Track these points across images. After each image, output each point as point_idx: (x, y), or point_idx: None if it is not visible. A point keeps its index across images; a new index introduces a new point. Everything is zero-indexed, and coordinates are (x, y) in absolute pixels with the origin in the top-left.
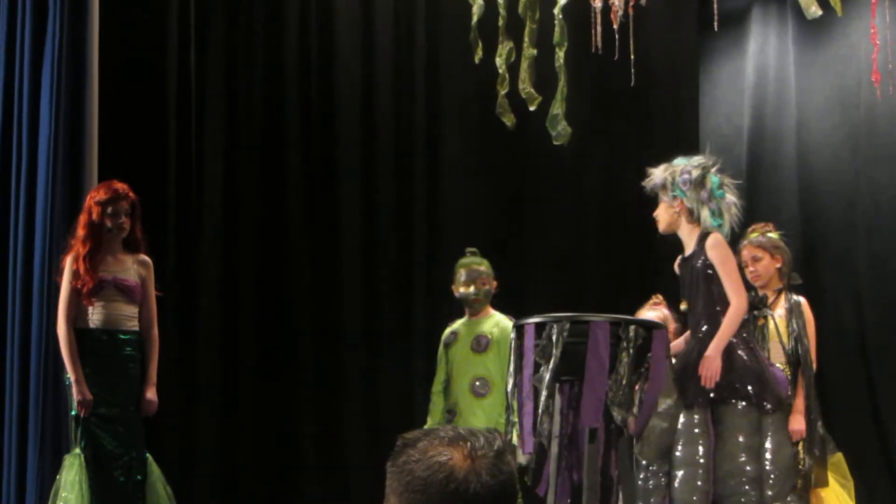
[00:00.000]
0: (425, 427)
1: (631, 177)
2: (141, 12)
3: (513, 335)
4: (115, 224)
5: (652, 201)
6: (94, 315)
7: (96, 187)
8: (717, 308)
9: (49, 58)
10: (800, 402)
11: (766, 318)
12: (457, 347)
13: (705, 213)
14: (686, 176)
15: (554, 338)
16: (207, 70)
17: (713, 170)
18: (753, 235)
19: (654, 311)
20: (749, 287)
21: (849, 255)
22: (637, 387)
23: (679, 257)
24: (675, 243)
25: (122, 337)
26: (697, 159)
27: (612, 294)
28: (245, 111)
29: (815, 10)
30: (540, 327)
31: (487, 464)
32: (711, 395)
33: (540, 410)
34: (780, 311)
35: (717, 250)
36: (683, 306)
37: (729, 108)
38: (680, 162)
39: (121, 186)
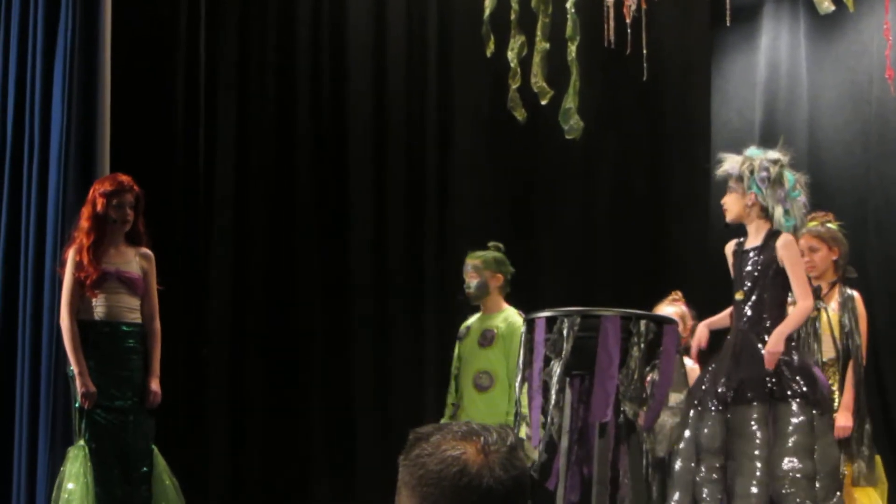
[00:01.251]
0: (441, 421)
1: (642, 170)
2: (153, 5)
3: (523, 329)
4: (120, 216)
5: (666, 195)
6: (97, 307)
7: (101, 179)
8: (782, 308)
9: (61, 50)
10: (848, 399)
11: (819, 310)
12: (467, 341)
13: (779, 212)
14: (765, 174)
15: (565, 332)
16: (218, 64)
17: (788, 166)
18: (812, 225)
19: (672, 307)
20: None
21: (859, 250)
22: (648, 381)
23: (734, 243)
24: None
25: (125, 329)
26: (774, 154)
27: (623, 288)
28: (256, 105)
29: (827, 6)
30: (551, 321)
31: (500, 459)
32: (769, 391)
33: (550, 404)
34: (833, 305)
35: (788, 250)
36: (739, 296)
37: (741, 103)
38: (755, 154)
39: (125, 179)
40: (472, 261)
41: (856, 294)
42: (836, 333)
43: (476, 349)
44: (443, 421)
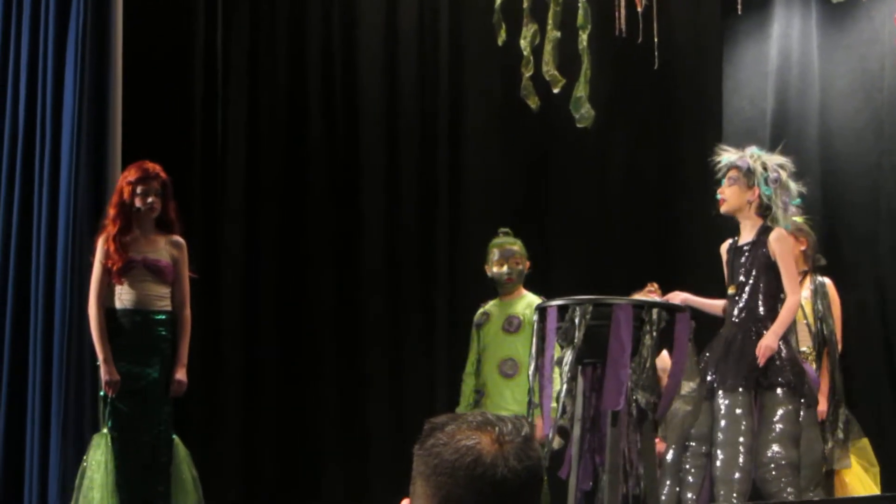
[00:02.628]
0: (457, 410)
1: (654, 159)
2: None
3: (535, 317)
4: (145, 204)
5: (677, 184)
6: (124, 295)
7: (129, 167)
8: (775, 299)
9: (73, 40)
10: (823, 384)
11: None
12: (488, 328)
13: (780, 215)
14: (776, 175)
15: (577, 320)
16: (231, 50)
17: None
18: None
19: (639, 297)
20: None
21: (871, 238)
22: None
23: (729, 243)
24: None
25: (155, 317)
26: (780, 158)
27: (635, 277)
28: (269, 91)
29: None
30: (563, 310)
31: (515, 449)
32: (756, 379)
33: (562, 393)
34: (805, 293)
35: (782, 244)
36: (732, 290)
37: (752, 91)
38: (758, 152)
39: (151, 166)
40: (515, 246)
41: (827, 280)
42: (811, 321)
43: (500, 336)
44: (462, 409)
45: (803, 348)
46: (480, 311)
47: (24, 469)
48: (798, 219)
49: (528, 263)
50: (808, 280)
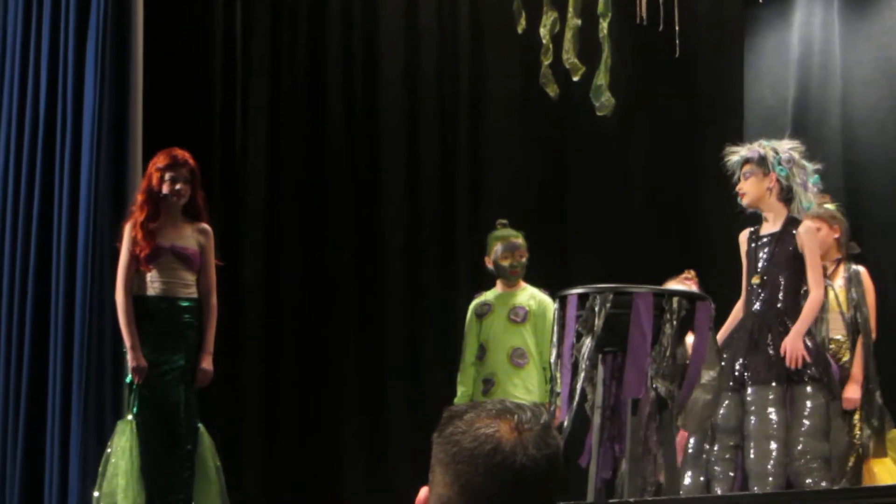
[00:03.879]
0: (457, 398)
1: (675, 147)
2: None
3: (556, 306)
4: (173, 191)
5: (698, 172)
6: (152, 282)
7: (158, 153)
8: (797, 292)
9: (94, 26)
10: (857, 371)
11: (826, 288)
12: (492, 318)
13: (801, 193)
14: (788, 155)
15: (597, 308)
16: (252, 41)
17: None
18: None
19: (673, 284)
20: None
21: (893, 227)
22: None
23: (748, 232)
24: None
25: (181, 304)
26: (790, 143)
27: (654, 265)
28: (288, 81)
29: None
30: (583, 298)
31: (534, 437)
32: (787, 373)
33: (581, 381)
34: (839, 282)
35: (810, 237)
36: (756, 280)
37: (774, 80)
38: (766, 142)
39: (181, 153)
40: (518, 239)
41: (861, 268)
42: (844, 309)
43: (508, 325)
44: (462, 399)
45: (837, 336)
46: (479, 300)
47: (44, 455)
48: (831, 206)
49: (527, 255)
50: (841, 268)
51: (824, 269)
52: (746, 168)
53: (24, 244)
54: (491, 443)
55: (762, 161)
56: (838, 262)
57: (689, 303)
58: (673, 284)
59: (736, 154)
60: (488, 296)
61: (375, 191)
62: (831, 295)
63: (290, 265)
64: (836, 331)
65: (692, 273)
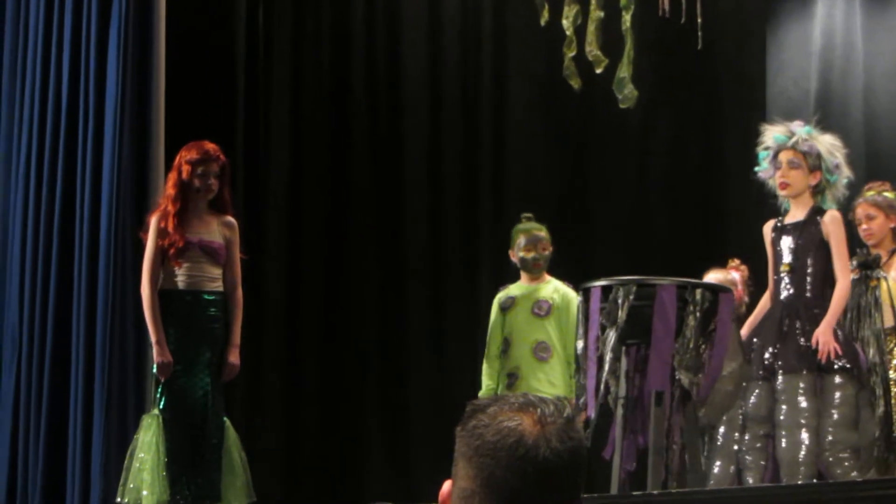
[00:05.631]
0: (481, 392)
1: (697, 139)
2: None
3: (580, 298)
4: (204, 185)
5: (721, 164)
6: (180, 276)
7: (187, 146)
8: (824, 282)
9: (116, 17)
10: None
11: (879, 279)
12: (516, 311)
13: (831, 194)
14: (837, 161)
15: (620, 301)
16: (274, 35)
17: None
18: (869, 194)
19: (719, 275)
20: (860, 244)
21: None
22: (703, 350)
23: (773, 223)
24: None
25: (207, 298)
26: (836, 141)
27: (677, 258)
28: (312, 76)
29: None
30: (606, 290)
31: (557, 430)
32: (817, 363)
33: (605, 373)
34: (893, 273)
35: (837, 226)
36: (784, 269)
37: (796, 72)
38: (813, 131)
39: (212, 147)
40: (541, 232)
41: None
42: (895, 301)
43: (531, 319)
44: (486, 392)
45: (887, 328)
46: (504, 294)
47: (67, 449)
48: (889, 194)
49: (551, 248)
50: (894, 259)
51: (879, 257)
52: (793, 157)
53: (46, 236)
54: (514, 436)
55: (818, 158)
56: (893, 252)
57: (713, 295)
58: (716, 275)
59: (777, 133)
60: (513, 289)
61: (398, 183)
62: (884, 286)
63: (311, 258)
64: (888, 322)
65: (737, 261)
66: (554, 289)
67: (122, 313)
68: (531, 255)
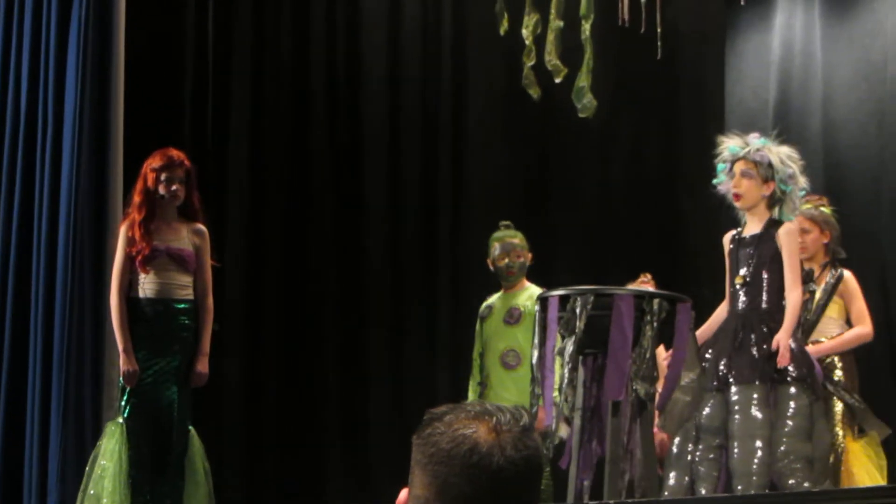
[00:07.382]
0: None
1: (656, 149)
2: None
3: (537, 307)
4: (169, 192)
5: (679, 174)
6: (147, 284)
7: (152, 154)
8: (779, 293)
9: (74, 33)
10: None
11: (812, 292)
12: (491, 320)
13: (788, 205)
14: (791, 171)
15: (578, 310)
16: (234, 41)
17: None
18: (805, 207)
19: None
20: None
21: (873, 229)
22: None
23: (731, 234)
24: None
25: (177, 306)
26: (790, 151)
27: (637, 268)
28: (269, 86)
29: None
30: (564, 300)
31: (512, 438)
32: (771, 373)
33: (563, 383)
34: (824, 286)
35: (790, 239)
36: (739, 281)
37: (755, 82)
38: (767, 143)
39: (176, 154)
40: (515, 239)
41: (847, 273)
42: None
43: (502, 327)
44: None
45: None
46: (485, 304)
47: (23, 457)
48: (826, 209)
49: (529, 255)
50: (827, 273)
51: (811, 272)
52: (745, 167)
53: (3, 243)
54: (468, 444)
55: (769, 168)
56: (824, 266)
57: (670, 304)
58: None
59: (732, 145)
60: (492, 298)
61: (357, 192)
62: (816, 299)
63: (270, 266)
64: (824, 334)
65: (648, 276)
66: (528, 296)
67: (80, 320)
68: (504, 262)
